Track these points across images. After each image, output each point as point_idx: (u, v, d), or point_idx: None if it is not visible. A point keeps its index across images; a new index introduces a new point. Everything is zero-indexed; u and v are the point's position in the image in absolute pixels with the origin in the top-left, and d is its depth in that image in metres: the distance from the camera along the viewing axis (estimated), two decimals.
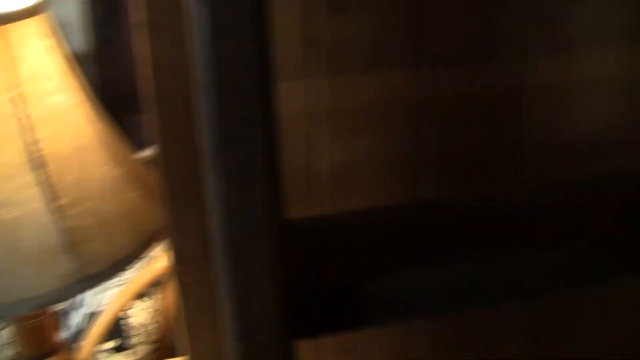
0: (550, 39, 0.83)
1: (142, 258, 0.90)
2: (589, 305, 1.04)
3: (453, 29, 0.79)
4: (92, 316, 1.42)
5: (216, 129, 0.39)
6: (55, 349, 1.01)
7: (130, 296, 1.32)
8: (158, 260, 1.31)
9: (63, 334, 1.18)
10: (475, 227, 0.60)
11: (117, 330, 1.39)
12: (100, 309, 1.41)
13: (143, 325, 1.41)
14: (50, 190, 0.82)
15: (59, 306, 1.40)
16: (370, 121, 0.80)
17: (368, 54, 0.78)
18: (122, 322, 1.40)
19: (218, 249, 0.42)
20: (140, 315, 1.41)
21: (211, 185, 0.41)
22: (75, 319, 1.45)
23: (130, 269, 0.92)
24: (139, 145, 1.12)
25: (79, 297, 1.47)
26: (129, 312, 1.41)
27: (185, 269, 0.82)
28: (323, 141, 0.80)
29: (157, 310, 1.42)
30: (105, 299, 1.44)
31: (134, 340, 1.40)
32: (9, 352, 1.24)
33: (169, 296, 1.40)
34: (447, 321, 0.95)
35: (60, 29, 0.92)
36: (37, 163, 0.82)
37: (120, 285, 1.40)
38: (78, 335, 1.40)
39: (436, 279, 0.54)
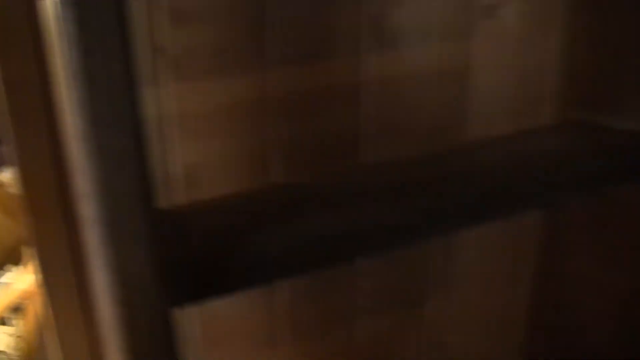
0: (379, 36, 0.92)
1: (4, 271, 0.91)
2: (436, 281, 1.14)
3: (290, 31, 0.86)
4: None
5: (89, 116, 0.44)
6: None
7: None
8: (17, 283, 1.30)
9: None
10: (323, 201, 0.68)
11: None
12: None
13: (5, 352, 1.39)
14: None
15: None
16: (219, 122, 0.85)
17: (212, 59, 0.83)
18: None
19: (94, 223, 0.46)
20: (2, 341, 1.39)
21: (86, 168, 0.45)
22: None
23: None
24: None
25: None
26: None
27: (52, 279, 0.84)
28: (175, 143, 0.84)
29: (19, 335, 1.41)
30: None
31: None
32: None
33: (30, 320, 1.39)
34: (307, 304, 1.01)
35: None
36: None
37: None
38: None
39: (293, 245, 0.60)
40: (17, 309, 1.37)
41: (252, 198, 0.70)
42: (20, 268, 1.03)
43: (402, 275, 1.10)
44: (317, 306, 1.03)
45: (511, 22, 1.02)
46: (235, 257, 0.58)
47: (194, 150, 0.85)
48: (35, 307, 1.19)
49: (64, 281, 0.84)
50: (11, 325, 1.41)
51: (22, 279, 1.24)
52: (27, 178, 0.79)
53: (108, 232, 0.47)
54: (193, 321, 0.93)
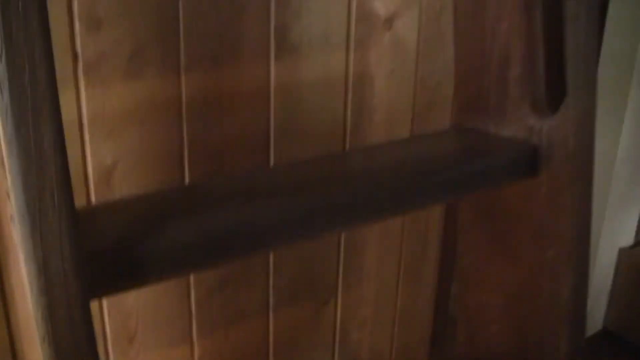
0: (285, 44, 0.98)
1: None
2: (344, 278, 1.20)
3: (203, 37, 0.90)
4: None
5: (14, 121, 0.48)
6: None
7: None
8: None
9: None
10: (232, 198, 0.73)
11: None
12: None
13: None
14: None
15: None
16: (134, 123, 0.89)
17: (127, 63, 0.86)
18: None
19: (18, 219, 0.51)
20: None
21: (10, 168, 0.50)
22: None
23: None
24: None
25: None
26: None
27: None
28: (91, 144, 0.87)
29: None
30: None
31: None
32: None
33: None
34: (221, 300, 1.05)
35: None
36: None
37: None
38: None
39: (202, 239, 0.66)
40: None
41: (165, 195, 0.75)
42: None
43: (311, 273, 1.16)
44: (230, 302, 1.07)
45: (407, 34, 1.10)
46: (146, 252, 0.62)
47: (109, 151, 0.89)
48: None
49: None
50: None
51: None
52: None
53: (31, 227, 0.51)
54: (108, 317, 0.96)
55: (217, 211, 0.68)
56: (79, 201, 0.86)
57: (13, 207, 0.52)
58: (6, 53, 0.47)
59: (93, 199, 0.88)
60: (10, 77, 0.48)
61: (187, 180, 0.95)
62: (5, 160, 0.50)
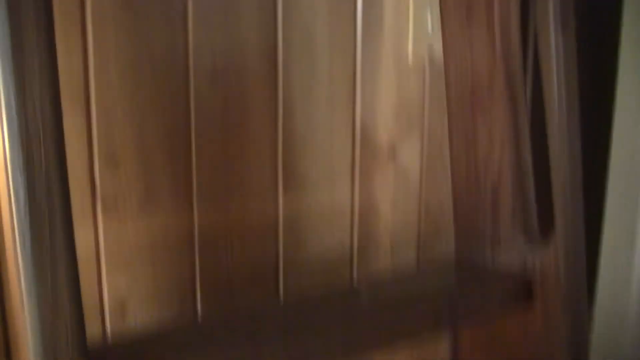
0: (293, 177, 1.03)
1: None
2: None
3: (212, 175, 0.96)
4: None
5: (34, 271, 0.53)
6: None
7: None
8: None
9: None
10: (240, 333, 0.77)
11: None
12: None
13: None
14: None
15: None
16: (148, 256, 0.93)
17: (141, 197, 0.91)
18: None
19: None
20: None
21: (31, 315, 0.54)
22: None
23: None
24: None
25: None
26: None
27: None
28: (105, 275, 0.91)
29: None
30: None
31: None
32: None
33: None
34: None
35: None
36: None
37: None
38: None
39: None
40: None
41: (175, 332, 0.79)
42: None
43: None
44: None
45: (411, 162, 1.15)
46: None
47: (124, 283, 0.92)
48: None
49: None
50: None
51: None
52: None
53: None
54: None
55: (225, 349, 0.72)
56: (95, 331, 0.91)
57: (29, 351, 0.56)
58: (30, 209, 0.53)
59: (108, 329, 0.92)
60: (32, 231, 0.53)
61: (199, 309, 0.98)
62: (25, 307, 0.55)
